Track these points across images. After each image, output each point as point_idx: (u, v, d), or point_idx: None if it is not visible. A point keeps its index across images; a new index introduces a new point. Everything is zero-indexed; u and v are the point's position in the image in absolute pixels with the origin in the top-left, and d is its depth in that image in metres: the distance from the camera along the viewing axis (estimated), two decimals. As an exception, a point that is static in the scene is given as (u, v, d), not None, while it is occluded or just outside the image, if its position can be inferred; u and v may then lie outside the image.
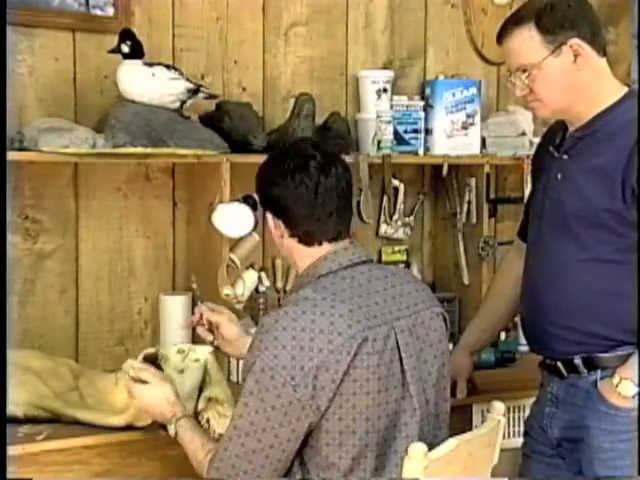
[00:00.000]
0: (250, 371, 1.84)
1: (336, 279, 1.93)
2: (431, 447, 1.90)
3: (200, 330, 2.35)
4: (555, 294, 2.18)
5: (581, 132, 2.17)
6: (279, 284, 3.03)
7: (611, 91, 2.16)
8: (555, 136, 2.27)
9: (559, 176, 2.19)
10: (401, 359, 1.90)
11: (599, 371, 2.14)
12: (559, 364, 2.20)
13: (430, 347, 1.98)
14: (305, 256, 1.99)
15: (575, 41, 2.10)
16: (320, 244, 1.98)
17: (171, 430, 2.08)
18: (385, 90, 3.05)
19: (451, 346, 3.10)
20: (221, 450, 1.88)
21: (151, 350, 2.27)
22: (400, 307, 1.95)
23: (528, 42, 2.11)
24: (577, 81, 2.13)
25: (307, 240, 1.98)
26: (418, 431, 1.92)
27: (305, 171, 1.95)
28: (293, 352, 1.81)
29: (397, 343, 1.90)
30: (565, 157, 2.19)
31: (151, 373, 2.15)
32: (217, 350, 2.33)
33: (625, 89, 2.19)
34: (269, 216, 2.01)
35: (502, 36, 2.17)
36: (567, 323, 2.16)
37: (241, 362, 2.19)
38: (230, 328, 2.31)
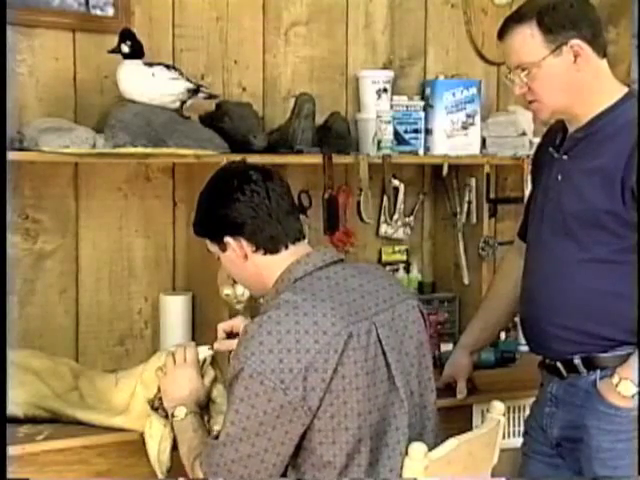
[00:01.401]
0: (238, 378, 1.83)
1: (312, 280, 1.94)
2: (420, 437, 1.93)
3: (226, 343, 2.31)
4: (554, 294, 2.18)
5: (581, 133, 2.17)
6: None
7: (611, 92, 2.16)
8: (555, 137, 2.27)
9: (559, 177, 2.19)
10: (384, 353, 1.91)
11: (598, 371, 2.14)
12: (558, 364, 2.20)
13: (410, 339, 2.00)
14: (275, 266, 1.99)
15: (576, 41, 2.10)
16: (287, 247, 2.00)
17: (179, 416, 2.10)
18: (385, 90, 3.05)
19: (451, 346, 3.14)
20: (217, 456, 1.88)
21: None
22: (377, 302, 1.96)
23: (529, 41, 2.12)
24: (576, 81, 2.13)
25: (273, 247, 1.99)
26: (407, 422, 1.93)
27: (250, 182, 1.98)
28: (280, 355, 1.81)
29: (378, 337, 1.91)
30: (565, 158, 2.20)
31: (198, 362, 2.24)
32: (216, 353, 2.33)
33: (625, 89, 2.18)
34: (229, 241, 2.00)
35: (503, 33, 2.17)
36: (566, 323, 2.16)
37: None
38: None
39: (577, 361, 2.16)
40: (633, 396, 2.06)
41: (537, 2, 2.14)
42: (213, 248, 2.07)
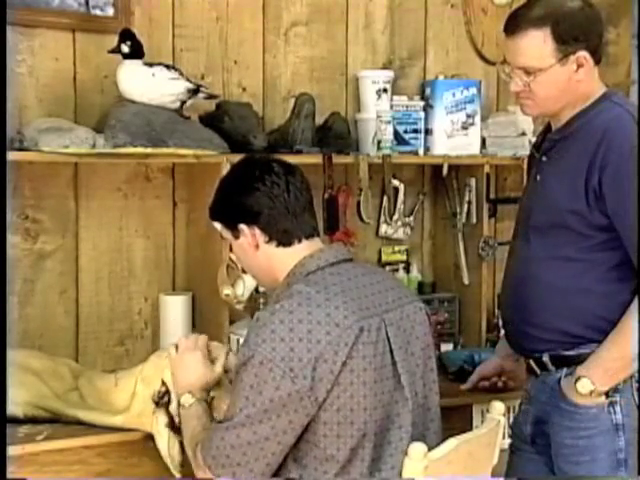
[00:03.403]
0: (247, 364, 1.84)
1: (325, 275, 1.96)
2: (423, 438, 1.93)
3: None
4: (525, 294, 2.22)
5: (558, 134, 2.21)
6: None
7: (591, 93, 2.18)
8: (538, 138, 2.34)
9: (538, 178, 2.25)
10: (391, 351, 1.92)
11: (565, 369, 2.18)
12: (531, 362, 2.26)
13: (416, 340, 2.01)
14: (286, 259, 2.00)
15: (583, 53, 2.13)
16: (300, 241, 2.01)
17: (186, 405, 2.09)
18: (385, 90, 3.04)
19: (451, 346, 3.14)
20: (217, 439, 1.88)
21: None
22: (387, 301, 1.98)
23: (541, 47, 2.12)
24: (573, 87, 2.16)
25: (286, 240, 2.00)
26: (410, 421, 1.94)
27: (272, 173, 2.00)
28: (291, 344, 1.82)
29: (387, 335, 1.92)
30: (544, 159, 2.24)
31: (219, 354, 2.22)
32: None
33: (603, 90, 2.20)
34: (243, 228, 2.01)
35: (514, 31, 2.15)
36: (536, 321, 2.20)
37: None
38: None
39: (545, 359, 2.20)
40: (591, 393, 2.09)
41: (553, 6, 2.13)
42: (226, 234, 2.08)
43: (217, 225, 2.11)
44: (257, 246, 2.01)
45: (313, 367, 1.81)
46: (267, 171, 2.01)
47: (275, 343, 1.82)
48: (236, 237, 2.04)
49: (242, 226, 2.01)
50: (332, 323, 1.84)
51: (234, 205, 2.03)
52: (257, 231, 2.00)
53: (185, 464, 2.18)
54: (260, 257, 2.03)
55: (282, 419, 1.83)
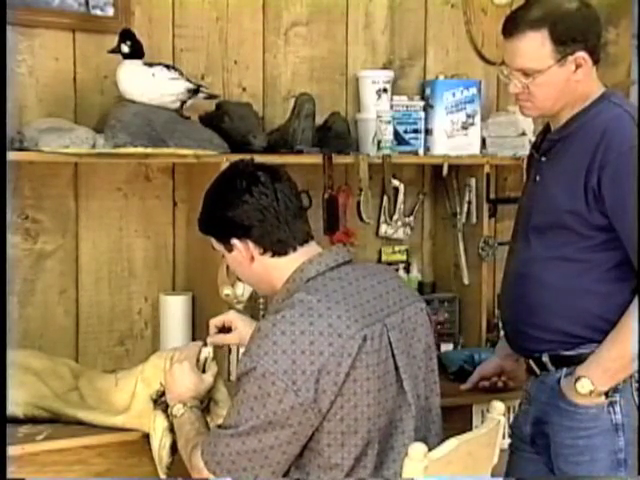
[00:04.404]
0: (249, 375, 1.83)
1: (325, 280, 1.93)
2: (425, 441, 1.92)
3: (218, 338, 2.31)
4: (524, 294, 2.22)
5: (557, 135, 2.22)
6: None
7: (590, 94, 2.19)
8: (537, 138, 2.34)
9: (537, 178, 2.25)
10: (394, 356, 1.91)
11: (564, 368, 2.18)
12: (531, 362, 2.26)
13: (418, 342, 1.99)
14: (284, 267, 1.97)
15: (581, 54, 2.13)
16: (295, 249, 1.98)
17: (177, 414, 2.10)
18: (385, 90, 3.05)
19: (451, 346, 3.13)
20: (222, 445, 1.87)
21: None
22: (388, 304, 1.96)
23: (539, 48, 2.12)
24: (571, 88, 2.16)
25: (281, 250, 1.97)
26: (413, 426, 1.93)
27: (259, 183, 1.95)
28: (293, 356, 1.80)
29: (389, 340, 1.91)
30: (543, 160, 2.24)
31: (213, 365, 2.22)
32: (216, 351, 2.33)
33: (602, 90, 2.20)
34: (236, 242, 1.98)
35: (512, 33, 2.15)
36: (535, 321, 2.20)
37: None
38: (242, 320, 2.30)
39: (545, 359, 2.20)
40: (591, 393, 2.09)
41: (550, 7, 2.14)
42: (219, 247, 2.06)
43: (210, 238, 2.08)
44: (252, 258, 1.99)
45: (316, 379, 1.80)
46: (254, 182, 1.95)
47: (277, 356, 1.80)
48: (229, 250, 2.02)
49: (234, 241, 1.98)
50: (335, 334, 1.82)
51: (224, 220, 1.99)
52: (250, 244, 1.97)
53: (173, 467, 2.18)
54: (256, 268, 2.00)
55: (286, 430, 1.82)
